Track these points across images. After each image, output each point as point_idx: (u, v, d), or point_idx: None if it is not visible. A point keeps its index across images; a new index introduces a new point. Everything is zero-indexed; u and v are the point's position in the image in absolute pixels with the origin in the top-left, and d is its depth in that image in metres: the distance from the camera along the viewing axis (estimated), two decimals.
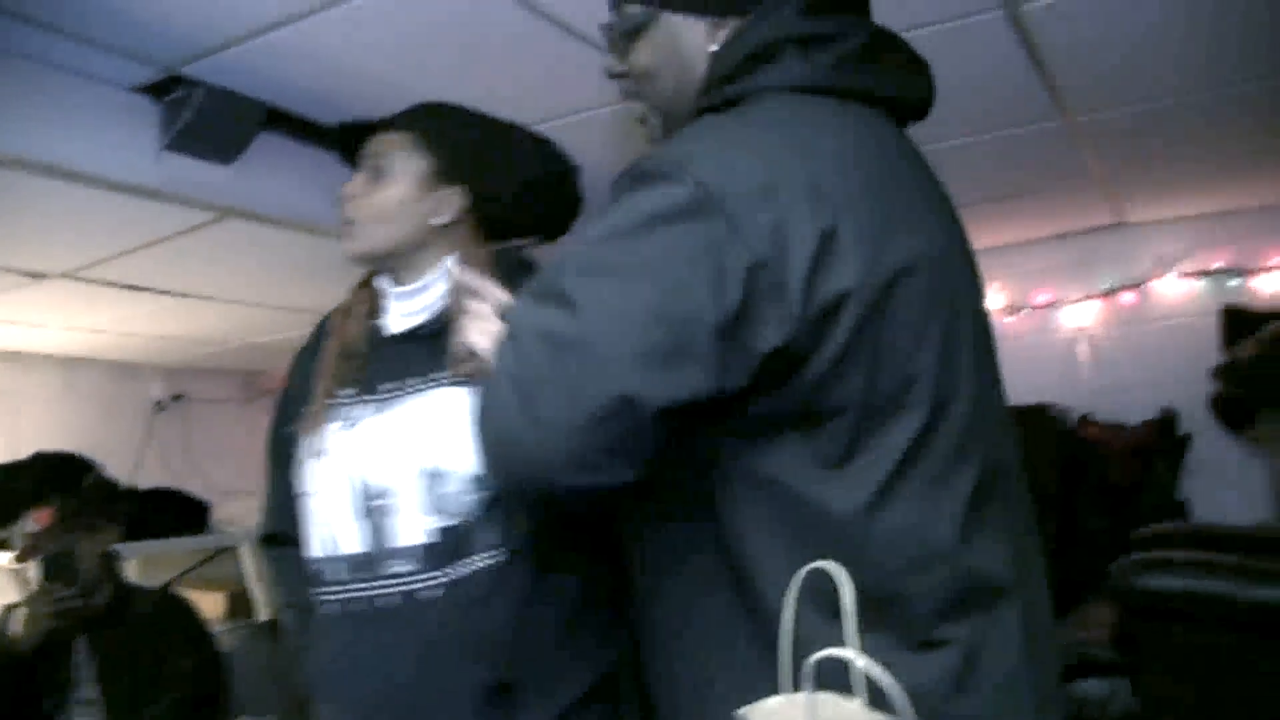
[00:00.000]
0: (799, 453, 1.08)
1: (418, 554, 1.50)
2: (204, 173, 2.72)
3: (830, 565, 0.91)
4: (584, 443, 0.99)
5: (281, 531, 1.76)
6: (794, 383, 1.05)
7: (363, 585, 1.53)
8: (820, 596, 0.98)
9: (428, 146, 1.67)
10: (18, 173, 2.47)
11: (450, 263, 1.63)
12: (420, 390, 1.58)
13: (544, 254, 1.69)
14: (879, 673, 0.84)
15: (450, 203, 1.67)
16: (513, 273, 1.61)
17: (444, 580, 1.50)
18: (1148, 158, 3.77)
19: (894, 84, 1.24)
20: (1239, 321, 4.41)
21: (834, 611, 0.94)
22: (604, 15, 1.38)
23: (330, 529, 1.57)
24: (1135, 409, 4.64)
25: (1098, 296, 4.87)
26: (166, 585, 4.11)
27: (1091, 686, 2.71)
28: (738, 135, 1.10)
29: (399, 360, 1.63)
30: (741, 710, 0.98)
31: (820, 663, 0.91)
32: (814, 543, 1.04)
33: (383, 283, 1.72)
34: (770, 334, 1.01)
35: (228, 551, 4.85)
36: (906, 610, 1.05)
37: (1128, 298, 4.82)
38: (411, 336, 1.65)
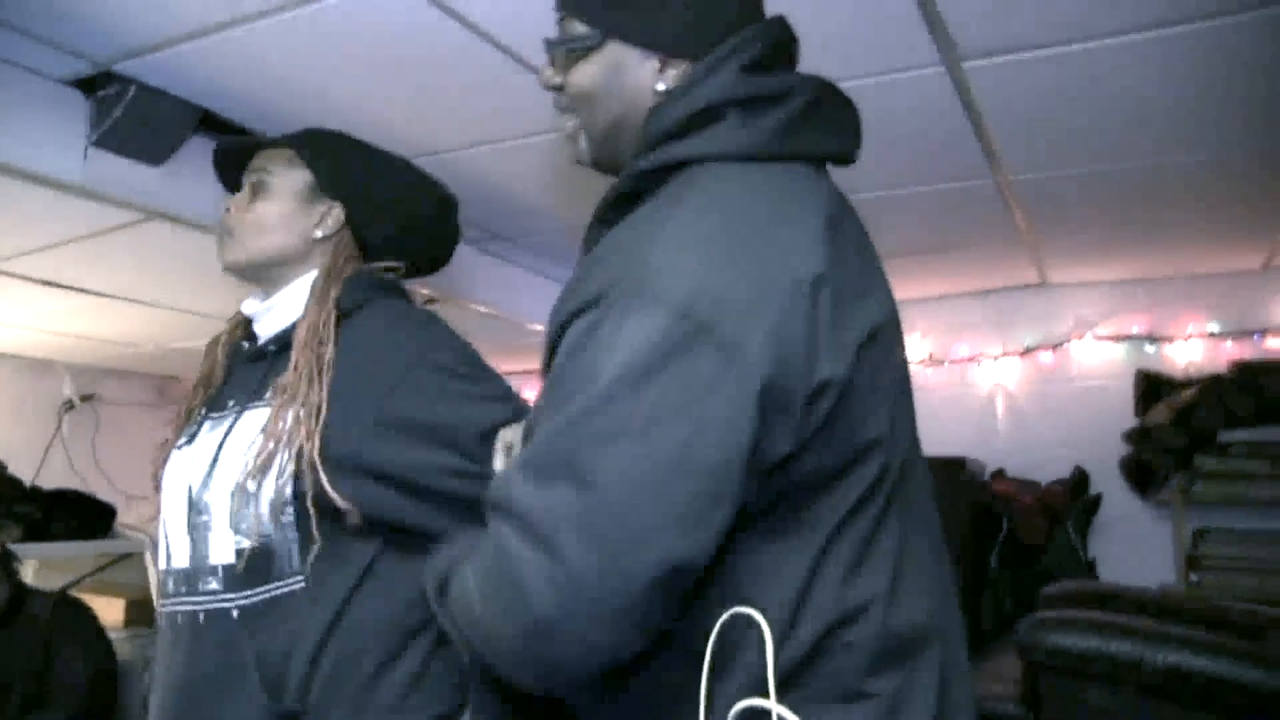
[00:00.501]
0: (750, 524, 1.05)
1: (223, 573, 1.50)
2: (131, 172, 2.67)
3: (752, 613, 0.90)
4: (635, 621, 0.94)
5: None
6: (778, 475, 1.02)
7: (185, 599, 1.53)
8: (757, 649, 0.97)
9: (308, 161, 1.69)
10: None
11: (313, 281, 1.65)
12: (247, 409, 1.58)
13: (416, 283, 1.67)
14: None
15: (331, 216, 1.69)
16: (373, 292, 1.65)
17: (241, 602, 1.49)
18: (1075, 221, 3.86)
19: (835, 141, 1.22)
20: (1153, 387, 4.52)
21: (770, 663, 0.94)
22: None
23: (169, 542, 1.58)
24: (1048, 467, 4.73)
25: (1017, 354, 4.97)
26: (65, 589, 4.00)
27: None
28: (703, 234, 1.03)
29: (244, 378, 1.65)
30: None
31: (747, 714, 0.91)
32: (759, 603, 1.01)
33: (252, 301, 1.73)
34: (781, 445, 0.98)
35: (131, 558, 4.73)
36: (839, 664, 1.04)
37: (1046, 357, 4.92)
38: (261, 354, 1.66)
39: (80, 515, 4.48)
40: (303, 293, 1.65)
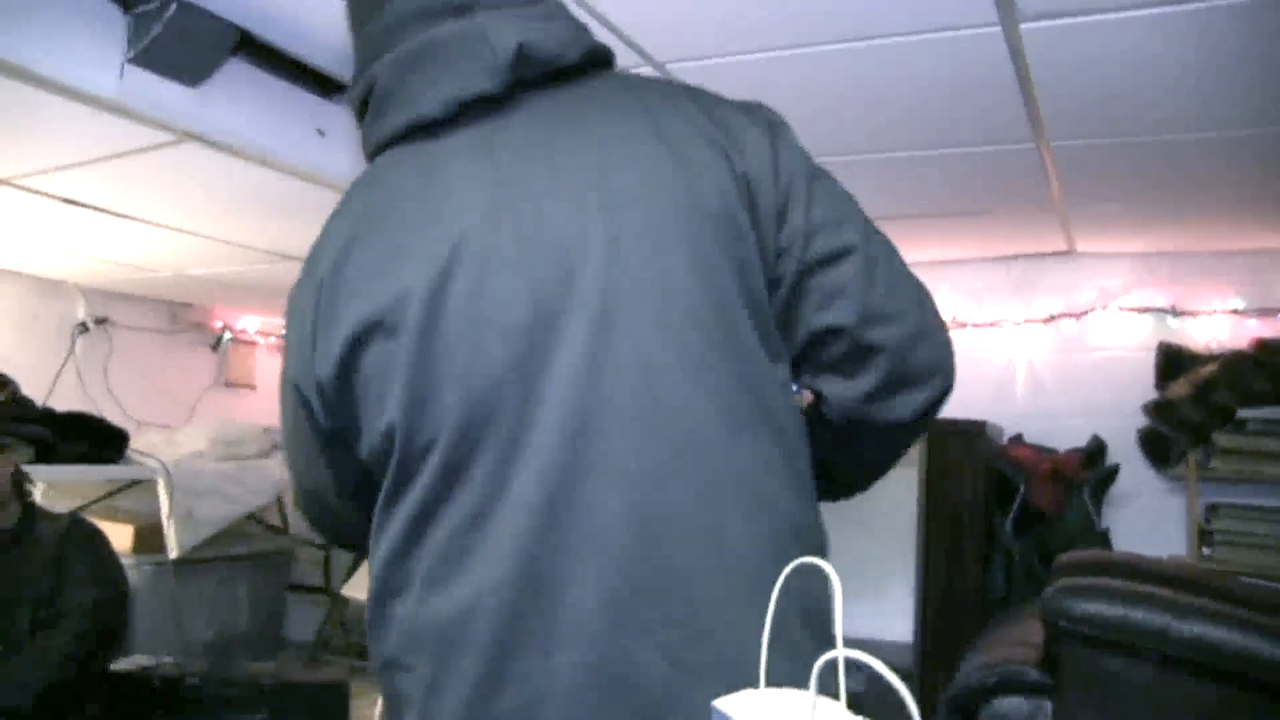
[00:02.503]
0: None
1: None
2: (167, 92, 2.62)
3: (823, 565, 0.87)
4: (315, 518, 1.38)
5: None
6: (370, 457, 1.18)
7: None
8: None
9: None
10: None
11: None
12: None
13: None
14: (887, 671, 0.80)
15: None
16: None
17: None
18: (1108, 190, 3.82)
19: (412, 109, 1.15)
20: (1175, 360, 4.50)
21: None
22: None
23: None
24: (1066, 435, 4.72)
25: (1040, 321, 4.94)
26: (76, 512, 3.99)
27: (1013, 705, 2.73)
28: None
29: None
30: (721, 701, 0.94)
31: None
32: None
33: None
34: (329, 425, 1.20)
35: (141, 484, 4.72)
36: (386, 634, 1.14)
37: (1069, 325, 4.89)
38: None
39: (91, 439, 4.45)
40: None
